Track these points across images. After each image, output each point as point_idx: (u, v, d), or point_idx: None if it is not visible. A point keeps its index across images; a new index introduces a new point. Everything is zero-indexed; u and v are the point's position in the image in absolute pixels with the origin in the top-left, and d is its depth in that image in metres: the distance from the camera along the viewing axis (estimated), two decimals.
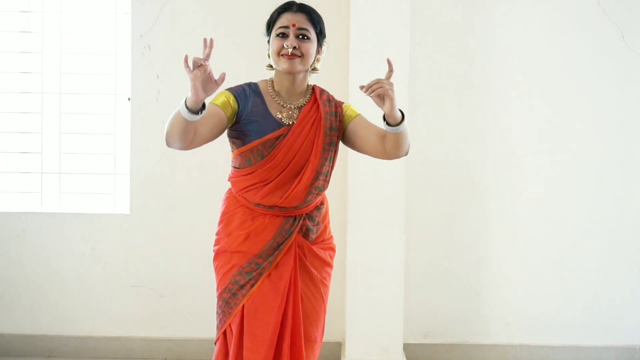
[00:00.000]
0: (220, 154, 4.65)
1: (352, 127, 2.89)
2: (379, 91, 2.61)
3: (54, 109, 4.79)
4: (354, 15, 4.31)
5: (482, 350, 4.73)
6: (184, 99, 2.57)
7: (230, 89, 2.85)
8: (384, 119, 2.71)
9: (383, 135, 2.79)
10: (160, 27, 4.64)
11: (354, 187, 4.29)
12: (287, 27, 2.78)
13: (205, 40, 2.52)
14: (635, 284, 4.74)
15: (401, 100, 4.28)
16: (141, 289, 4.73)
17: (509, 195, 4.71)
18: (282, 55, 2.78)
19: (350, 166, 4.32)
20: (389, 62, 2.64)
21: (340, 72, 4.38)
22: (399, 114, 2.69)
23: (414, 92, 4.54)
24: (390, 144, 2.76)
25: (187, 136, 2.65)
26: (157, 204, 4.71)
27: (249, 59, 4.65)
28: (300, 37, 2.79)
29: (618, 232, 4.73)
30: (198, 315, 4.73)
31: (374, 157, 2.89)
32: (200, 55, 2.54)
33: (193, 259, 4.72)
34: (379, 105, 2.66)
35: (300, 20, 2.79)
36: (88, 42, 4.80)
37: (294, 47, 2.76)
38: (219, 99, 2.80)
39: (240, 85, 2.89)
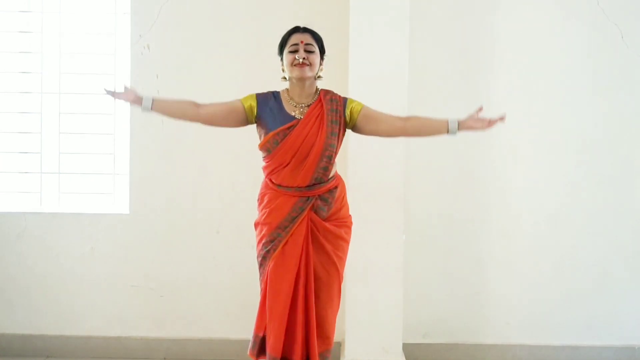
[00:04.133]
0: (219, 154, 4.68)
1: (364, 115, 3.61)
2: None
3: (53, 109, 4.80)
4: (354, 16, 4.31)
5: (481, 350, 4.74)
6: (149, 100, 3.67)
7: (257, 94, 3.64)
8: (452, 126, 3.69)
9: (404, 120, 3.66)
10: (160, 27, 4.65)
11: (354, 187, 4.28)
12: (297, 44, 3.55)
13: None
14: (634, 283, 4.76)
15: (401, 99, 4.32)
16: (140, 289, 4.73)
17: (508, 195, 4.72)
18: (294, 65, 3.54)
19: (349, 166, 4.33)
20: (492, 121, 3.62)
21: (341, 72, 4.38)
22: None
23: (414, 92, 4.54)
24: (422, 132, 3.69)
25: (183, 119, 3.66)
26: (156, 203, 4.72)
27: (247, 58, 4.69)
28: (307, 51, 3.55)
29: (617, 232, 4.74)
30: (197, 315, 4.74)
31: (386, 135, 3.66)
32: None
33: (192, 258, 4.73)
34: (474, 127, 3.67)
35: (307, 37, 3.58)
36: (87, 42, 4.81)
37: (304, 58, 3.53)
38: (247, 100, 3.61)
39: (267, 92, 3.65)
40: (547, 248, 4.73)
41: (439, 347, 4.74)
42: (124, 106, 4.76)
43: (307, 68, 3.53)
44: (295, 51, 3.54)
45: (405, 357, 4.53)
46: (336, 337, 4.64)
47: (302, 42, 3.54)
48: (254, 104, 3.59)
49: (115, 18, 4.79)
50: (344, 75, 4.38)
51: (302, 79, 3.56)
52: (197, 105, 3.58)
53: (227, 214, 4.72)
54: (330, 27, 4.58)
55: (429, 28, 4.66)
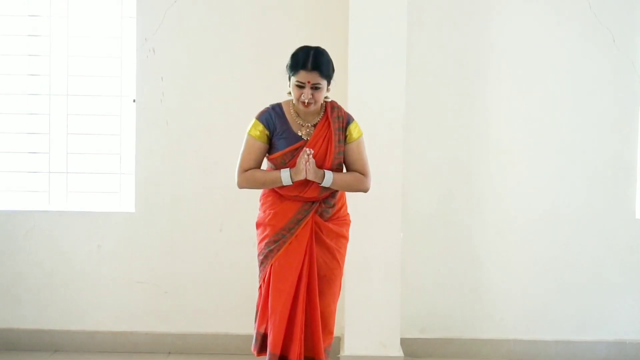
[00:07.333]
0: (222, 154, 4.72)
1: (351, 147, 3.62)
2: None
3: (61, 110, 4.86)
4: (353, 16, 4.38)
5: (476, 345, 4.80)
6: (287, 173, 3.50)
7: (259, 118, 3.59)
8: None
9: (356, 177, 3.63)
10: (165, 30, 4.72)
11: None
12: (304, 82, 3.44)
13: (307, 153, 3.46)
14: (625, 280, 4.82)
15: (398, 100, 4.40)
16: (146, 285, 4.80)
17: (503, 193, 4.79)
18: (300, 101, 3.48)
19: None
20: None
21: (340, 71, 4.43)
22: (320, 179, 3.52)
23: (411, 93, 4.63)
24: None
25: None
26: (162, 202, 4.78)
27: (252, 62, 4.74)
28: (314, 88, 3.46)
29: (610, 229, 4.81)
30: (201, 310, 4.80)
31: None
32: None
33: (196, 255, 4.79)
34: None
35: (314, 77, 3.46)
36: (94, 45, 4.88)
37: (310, 97, 3.45)
38: (255, 131, 3.57)
39: (266, 110, 3.61)
40: (541, 245, 4.80)
41: (435, 342, 4.80)
42: (130, 107, 4.84)
43: (312, 105, 3.49)
44: (302, 86, 3.47)
45: (403, 352, 4.58)
46: (335, 332, 4.70)
47: (308, 82, 3.44)
48: (260, 128, 3.56)
49: (121, 22, 4.85)
50: (344, 77, 4.45)
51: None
52: (245, 172, 3.59)
53: (230, 212, 4.77)
54: (330, 29, 4.66)
55: (425, 32, 4.72)
